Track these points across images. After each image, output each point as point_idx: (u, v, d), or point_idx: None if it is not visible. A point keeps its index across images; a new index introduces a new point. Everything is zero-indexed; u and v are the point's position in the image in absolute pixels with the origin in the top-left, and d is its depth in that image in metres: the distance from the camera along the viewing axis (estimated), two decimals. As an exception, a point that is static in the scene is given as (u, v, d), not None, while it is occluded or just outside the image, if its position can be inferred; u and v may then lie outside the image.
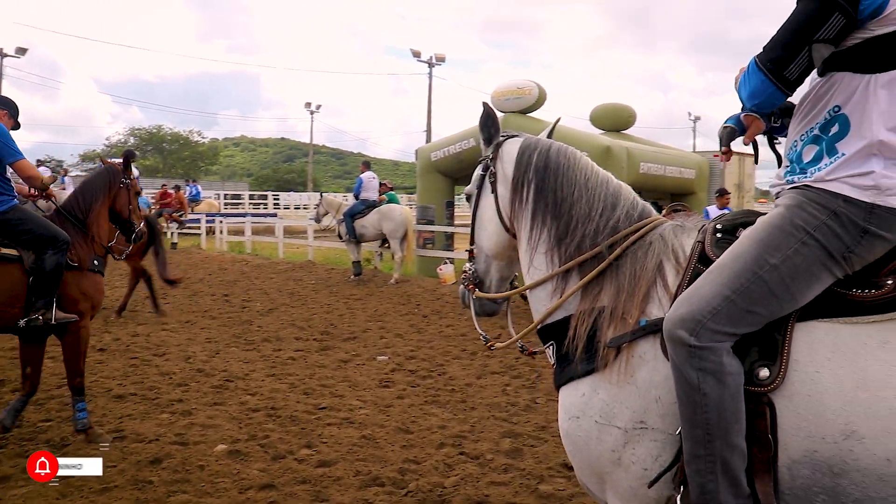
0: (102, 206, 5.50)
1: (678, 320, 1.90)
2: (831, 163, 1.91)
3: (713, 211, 11.35)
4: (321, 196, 17.25)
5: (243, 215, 29.49)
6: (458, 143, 15.38)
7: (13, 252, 4.74)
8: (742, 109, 2.04)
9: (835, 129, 1.90)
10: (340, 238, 15.22)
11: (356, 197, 14.91)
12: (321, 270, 16.34)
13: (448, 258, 15.32)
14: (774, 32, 1.88)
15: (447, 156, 15.67)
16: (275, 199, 42.85)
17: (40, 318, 4.74)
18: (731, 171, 16.13)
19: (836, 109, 1.89)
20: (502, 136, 2.66)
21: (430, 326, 9.95)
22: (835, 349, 1.85)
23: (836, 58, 1.86)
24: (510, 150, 2.58)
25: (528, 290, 2.44)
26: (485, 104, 2.64)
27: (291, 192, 47.05)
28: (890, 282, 1.86)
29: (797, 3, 1.84)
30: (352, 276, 14.57)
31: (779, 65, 1.84)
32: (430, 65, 36.63)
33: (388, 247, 14.98)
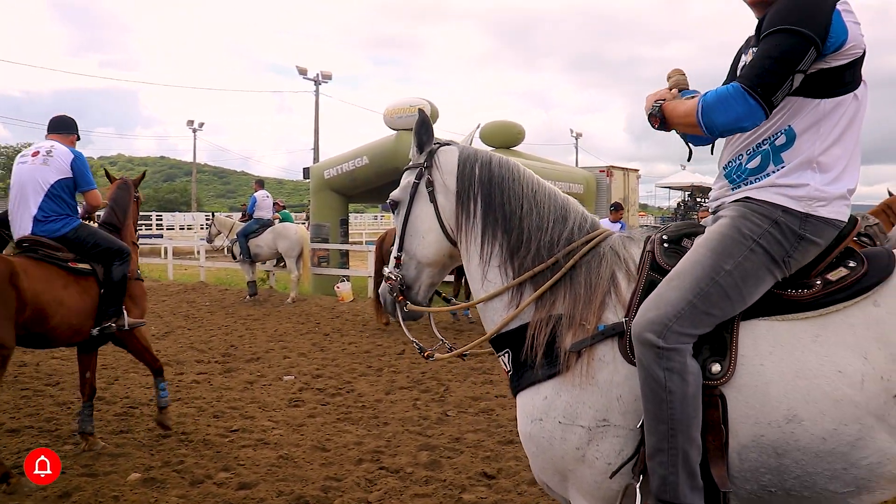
0: (129, 218, 5.92)
1: (647, 324, 2.08)
2: (775, 171, 2.16)
3: (606, 224, 11.84)
4: (213, 216, 16.90)
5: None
6: (352, 160, 15.42)
7: (87, 266, 5.12)
8: (711, 134, 2.17)
9: (781, 140, 2.15)
10: (234, 258, 14.95)
11: (250, 216, 14.69)
12: (215, 291, 15.96)
13: (344, 276, 15.29)
14: (753, 62, 2.08)
15: (341, 174, 15.68)
16: (158, 219, 41.42)
17: (113, 325, 5.19)
18: (617, 186, 16.87)
19: (787, 126, 2.15)
20: (435, 144, 2.67)
21: (333, 344, 9.95)
22: (775, 344, 2.09)
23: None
24: (448, 161, 2.60)
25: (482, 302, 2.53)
26: (420, 111, 2.69)
27: (176, 213, 45.58)
28: (819, 282, 2.14)
29: (775, 35, 2.04)
30: (247, 297, 14.32)
31: (768, 91, 2.02)
32: (317, 82, 36.37)
33: (284, 266, 14.83)
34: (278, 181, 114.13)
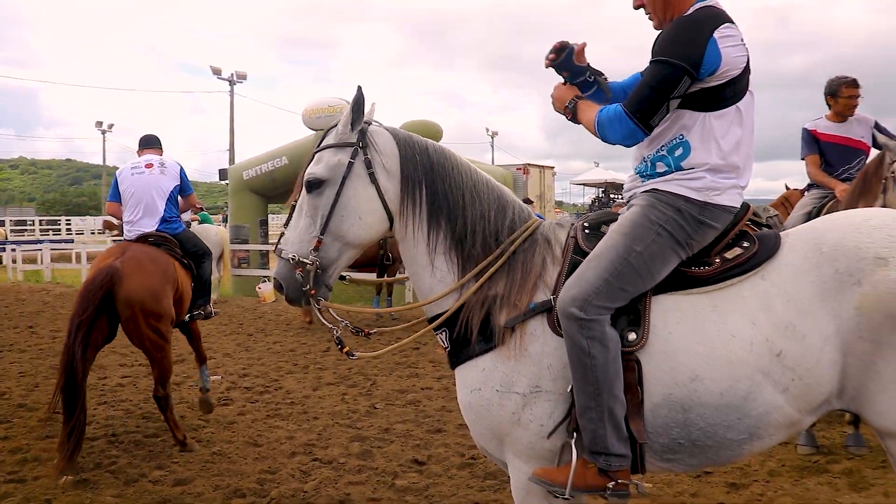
0: None
1: (570, 300, 2.35)
2: (676, 173, 2.49)
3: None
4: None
5: (38, 242, 27.38)
6: (271, 161, 15.40)
7: (187, 261, 6.10)
8: (603, 140, 2.52)
9: (679, 151, 2.49)
10: (152, 261, 14.70)
11: (168, 218, 14.47)
12: (131, 296, 15.62)
13: (265, 276, 15.25)
14: (637, 88, 2.42)
15: (260, 174, 15.63)
16: (67, 223, 40.02)
17: (202, 312, 6.39)
18: (534, 183, 17.32)
19: (681, 136, 2.48)
20: (365, 122, 2.68)
21: (258, 344, 9.99)
22: (680, 315, 2.41)
23: (682, 99, 2.43)
24: (385, 142, 2.66)
25: (410, 278, 2.73)
26: (359, 87, 2.64)
27: (86, 217, 44.13)
28: (718, 260, 2.47)
29: (655, 64, 2.39)
30: (166, 300, 14.10)
31: (646, 116, 2.39)
32: (232, 82, 35.81)
33: (204, 268, 14.66)
34: (192, 183, 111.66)
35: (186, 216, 14.32)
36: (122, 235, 6.24)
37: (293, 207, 2.69)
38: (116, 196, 6.15)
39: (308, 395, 7.19)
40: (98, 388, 7.42)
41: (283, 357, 9.04)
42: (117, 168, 10.89)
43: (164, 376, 5.59)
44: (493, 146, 66.42)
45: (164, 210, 6.04)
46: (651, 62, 2.42)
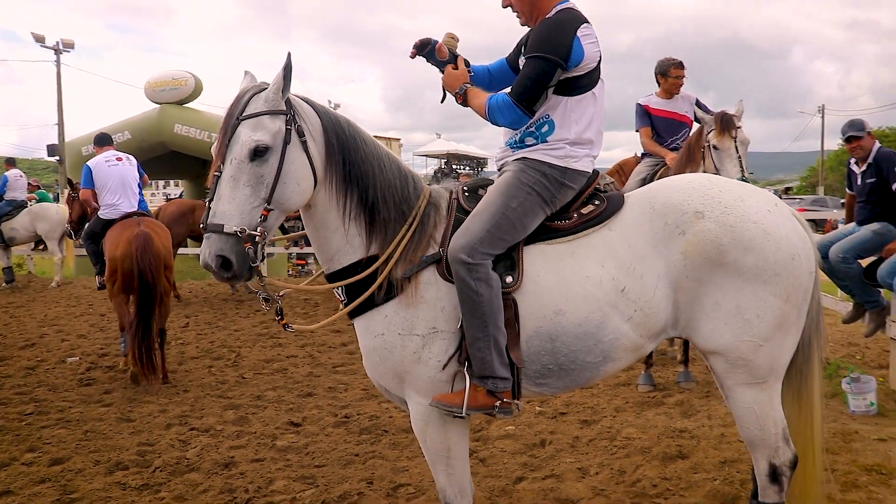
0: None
1: (459, 248, 2.75)
2: (541, 145, 2.95)
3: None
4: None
5: None
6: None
7: None
8: (492, 123, 2.98)
9: (545, 128, 2.94)
10: (-16, 244, 13.88)
11: (1, 198, 13.68)
12: (-39, 281, 14.71)
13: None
14: (520, 79, 2.86)
15: (100, 149, 15.00)
16: None
17: None
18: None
19: (547, 116, 2.94)
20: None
21: (112, 324, 9.76)
22: (545, 260, 2.87)
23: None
24: (308, 112, 2.80)
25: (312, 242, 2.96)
26: (289, 54, 2.69)
27: None
28: (575, 215, 2.96)
29: (533, 59, 2.82)
30: (3, 284, 13.41)
31: (530, 103, 2.86)
32: (57, 51, 33.40)
33: (44, 249, 14.02)
34: (14, 159, 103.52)
35: (23, 195, 13.67)
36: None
37: (217, 179, 2.62)
38: (91, 184, 7.50)
39: (174, 369, 7.23)
40: (-54, 378, 7.13)
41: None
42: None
43: (167, 313, 7.18)
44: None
45: (140, 193, 7.70)
46: (529, 58, 2.85)
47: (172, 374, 7.06)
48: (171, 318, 10.06)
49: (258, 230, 2.58)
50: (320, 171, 2.78)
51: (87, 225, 7.94)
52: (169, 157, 16.23)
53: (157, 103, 14.82)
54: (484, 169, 37.12)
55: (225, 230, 2.54)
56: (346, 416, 5.64)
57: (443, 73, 3.13)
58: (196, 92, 14.83)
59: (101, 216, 7.47)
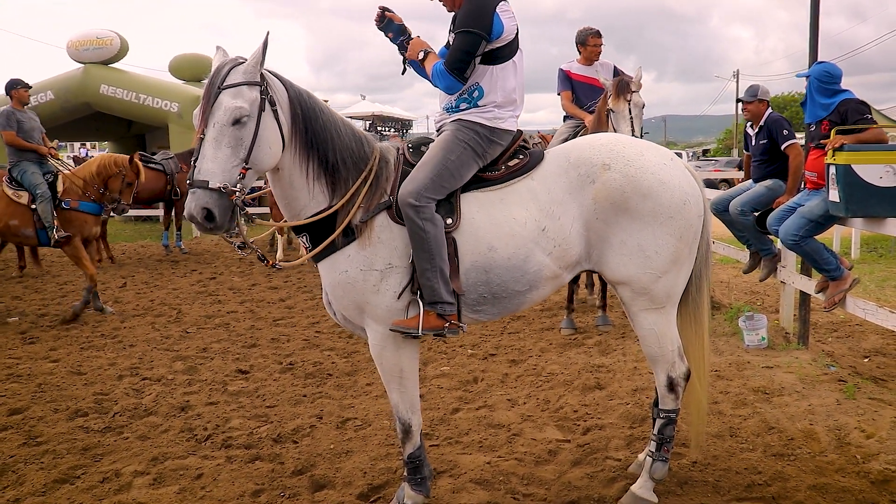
0: None
1: (407, 193, 3.17)
2: (473, 108, 3.40)
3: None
4: None
5: None
6: (34, 95, 14.42)
7: None
8: (434, 85, 3.43)
9: (476, 94, 3.39)
10: None
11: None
12: None
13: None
14: (452, 51, 3.26)
15: (21, 110, 14.70)
16: None
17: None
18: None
19: (477, 83, 3.38)
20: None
21: (48, 286, 9.87)
22: (479, 205, 3.33)
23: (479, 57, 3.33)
24: (276, 84, 3.14)
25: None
26: (268, 32, 3.09)
27: None
28: (503, 167, 3.43)
29: (462, 34, 3.24)
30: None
31: (461, 71, 3.29)
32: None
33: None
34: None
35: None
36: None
37: (201, 141, 2.94)
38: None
39: (117, 326, 7.46)
40: None
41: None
42: None
43: None
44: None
45: None
46: (458, 32, 3.27)
47: (116, 330, 7.27)
48: (107, 278, 10.23)
49: (238, 186, 2.92)
50: (287, 137, 3.16)
51: None
52: (93, 117, 16.04)
53: (80, 63, 14.58)
54: (409, 131, 37.26)
55: (210, 186, 2.87)
56: (291, 363, 6.03)
57: (400, 46, 3.53)
58: (122, 52, 14.63)
59: None
